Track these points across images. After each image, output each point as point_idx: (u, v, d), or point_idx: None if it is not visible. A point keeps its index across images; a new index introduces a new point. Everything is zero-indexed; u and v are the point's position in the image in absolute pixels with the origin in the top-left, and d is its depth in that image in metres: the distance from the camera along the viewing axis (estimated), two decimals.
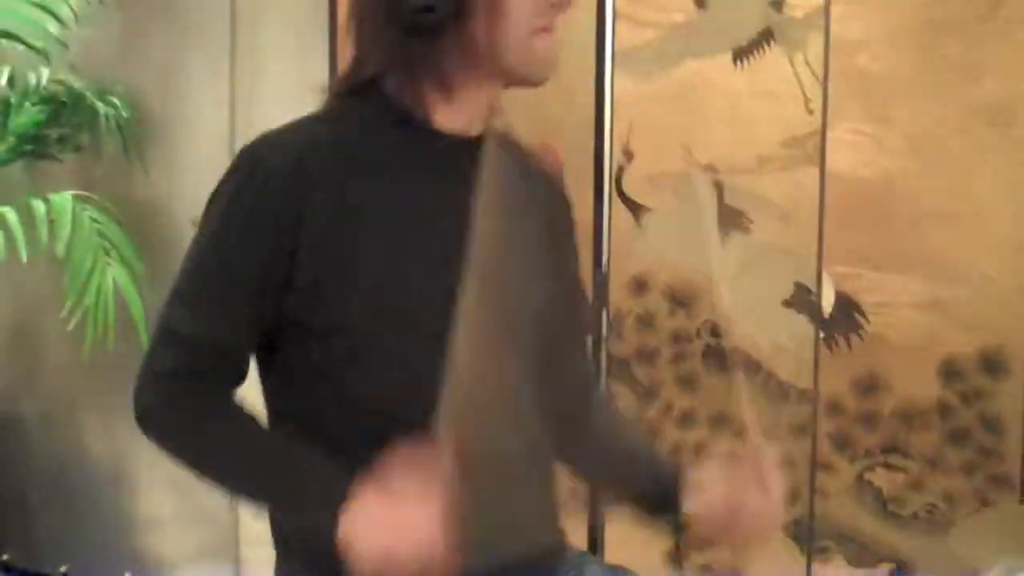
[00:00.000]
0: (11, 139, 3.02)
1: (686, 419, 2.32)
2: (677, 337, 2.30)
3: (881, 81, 2.19)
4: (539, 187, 1.40)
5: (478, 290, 1.17)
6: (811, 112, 2.23)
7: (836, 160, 2.22)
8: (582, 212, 2.23)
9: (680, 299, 2.29)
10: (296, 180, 1.18)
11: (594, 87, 2.22)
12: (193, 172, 3.08)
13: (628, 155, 2.25)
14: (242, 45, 3.07)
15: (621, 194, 2.26)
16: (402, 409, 1.17)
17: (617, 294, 2.28)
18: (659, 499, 1.35)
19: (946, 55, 2.16)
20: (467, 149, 1.23)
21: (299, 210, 1.18)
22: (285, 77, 3.00)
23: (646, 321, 2.29)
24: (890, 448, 2.24)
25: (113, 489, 3.20)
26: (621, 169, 2.26)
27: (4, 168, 3.10)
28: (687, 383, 2.31)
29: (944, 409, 2.20)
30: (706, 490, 1.33)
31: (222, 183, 1.24)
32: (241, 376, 1.22)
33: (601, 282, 2.26)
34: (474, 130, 1.26)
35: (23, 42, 2.98)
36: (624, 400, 2.30)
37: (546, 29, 1.23)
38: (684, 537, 1.36)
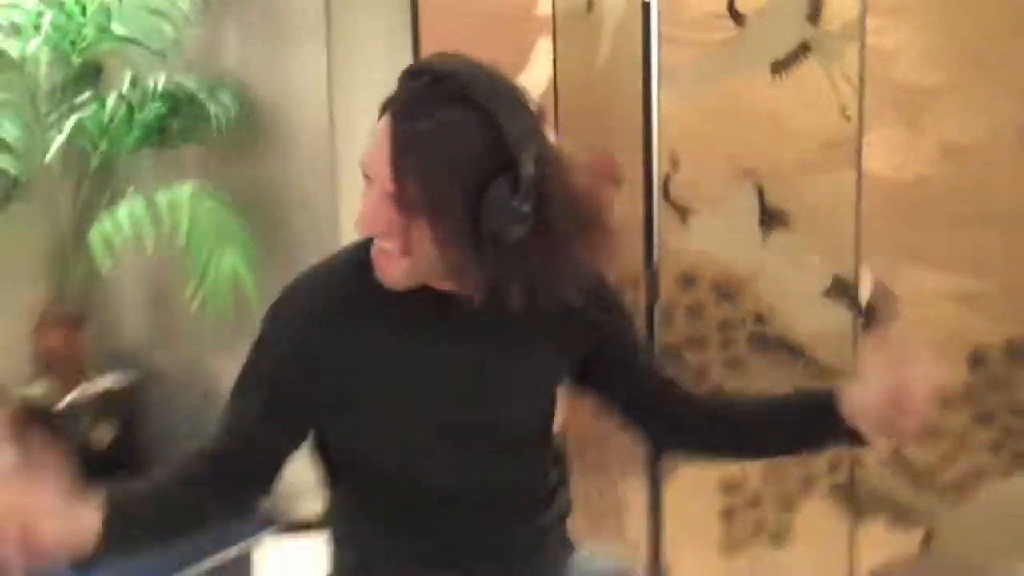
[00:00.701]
0: (136, 132, 3.36)
1: None
2: (724, 325, 2.52)
3: (914, 90, 2.32)
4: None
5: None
6: (848, 119, 2.38)
7: (872, 163, 2.38)
8: (632, 216, 2.46)
9: (725, 291, 2.50)
10: (301, 346, 1.47)
11: (642, 103, 2.40)
12: (299, 158, 3.38)
13: (674, 163, 2.45)
14: (336, 35, 3.33)
15: (668, 199, 2.47)
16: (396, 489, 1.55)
17: (667, 289, 2.50)
18: (825, 418, 1.45)
19: (978, 64, 2.28)
20: (454, 301, 1.45)
21: (308, 361, 1.47)
22: (375, 63, 3.26)
23: (695, 311, 2.51)
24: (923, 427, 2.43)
25: None
26: (668, 176, 2.46)
27: (134, 157, 3.46)
28: (734, 366, 2.54)
29: (971, 393, 2.38)
30: (865, 383, 1.42)
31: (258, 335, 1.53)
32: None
33: (652, 279, 2.48)
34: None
35: (143, 46, 3.30)
36: None
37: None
38: (865, 437, 1.44)
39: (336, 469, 1.61)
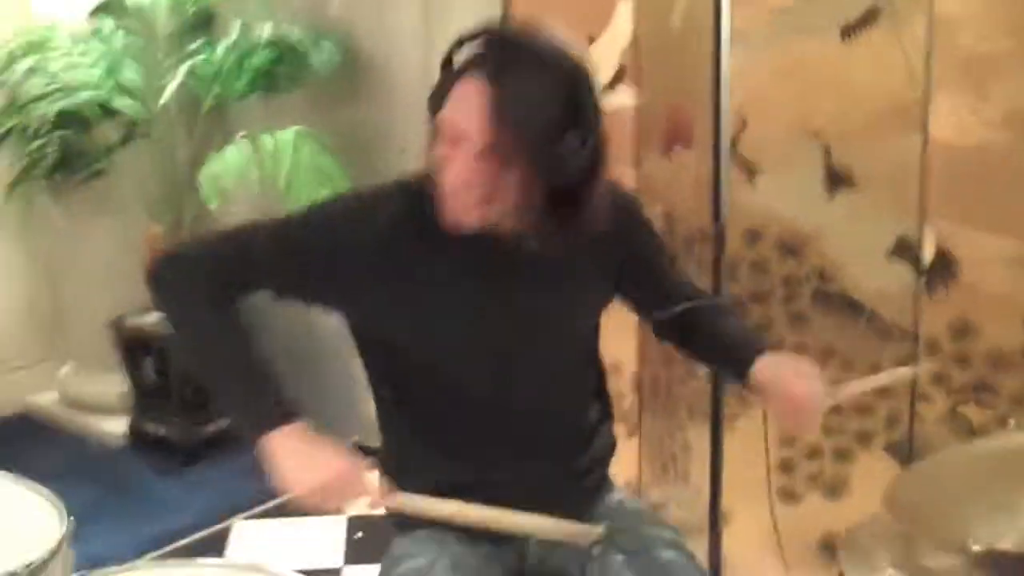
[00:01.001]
0: (246, 78, 3.56)
1: (798, 351, 2.62)
2: (787, 281, 2.60)
3: (979, 57, 2.36)
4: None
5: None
6: (915, 83, 2.43)
7: (937, 128, 2.43)
8: (702, 172, 2.55)
9: (790, 248, 2.58)
10: (364, 243, 1.66)
11: (712, 62, 2.48)
12: (399, 105, 3.53)
13: (742, 122, 2.53)
14: None
15: (736, 156, 2.55)
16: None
17: (733, 244, 2.58)
18: (738, 368, 1.76)
19: None
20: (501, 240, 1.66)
21: (358, 258, 1.65)
22: (469, 12, 3.37)
23: (760, 267, 2.60)
24: (980, 387, 2.50)
25: (338, 358, 3.57)
26: (736, 134, 2.54)
27: (245, 101, 3.66)
28: (797, 321, 2.62)
29: None
30: (775, 370, 1.71)
31: (324, 202, 1.77)
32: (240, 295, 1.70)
33: (719, 233, 2.57)
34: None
35: None
36: None
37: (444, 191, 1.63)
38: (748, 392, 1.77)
39: (384, 383, 1.79)
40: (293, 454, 1.58)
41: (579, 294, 1.79)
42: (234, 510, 3.50)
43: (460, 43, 1.63)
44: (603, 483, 1.90)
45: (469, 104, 1.56)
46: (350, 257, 1.66)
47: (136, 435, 3.94)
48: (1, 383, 4.19)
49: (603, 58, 2.89)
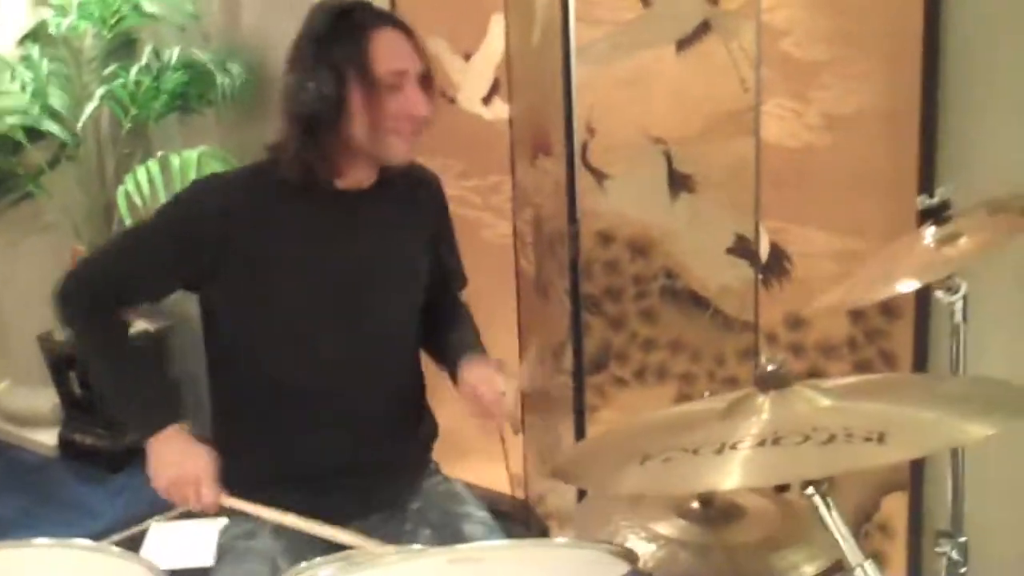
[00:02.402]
0: (162, 99, 3.75)
1: (649, 345, 2.81)
2: (638, 279, 2.78)
3: (802, 64, 2.54)
4: (417, 190, 2.01)
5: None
6: (746, 90, 2.61)
7: (767, 132, 2.61)
8: (558, 179, 2.73)
9: (639, 248, 2.76)
10: (219, 216, 1.83)
11: (561, 76, 2.67)
12: None
13: (591, 131, 2.71)
14: None
15: (586, 163, 2.73)
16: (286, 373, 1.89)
17: (586, 244, 2.76)
18: (452, 371, 2.01)
19: (858, 40, 2.48)
20: (355, 198, 1.88)
21: (220, 235, 1.82)
22: None
23: (612, 266, 2.78)
24: (813, 374, 2.66)
25: None
26: (586, 143, 2.72)
27: (164, 122, 3.85)
28: (648, 316, 2.80)
29: (852, 343, 2.60)
30: (467, 376, 1.95)
31: (172, 197, 1.94)
32: (126, 307, 1.94)
33: (574, 235, 2.75)
34: (367, 183, 1.88)
35: (166, 22, 3.69)
36: (597, 330, 2.82)
37: (397, 132, 1.79)
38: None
39: (221, 361, 1.96)
40: (160, 453, 1.80)
41: (408, 247, 2.00)
42: (153, 513, 3.65)
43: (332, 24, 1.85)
44: (426, 466, 2.08)
45: (405, 45, 1.84)
46: (206, 228, 1.85)
47: (65, 446, 4.10)
48: None
49: (479, 73, 3.09)
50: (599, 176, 2.73)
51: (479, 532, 1.92)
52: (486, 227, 3.15)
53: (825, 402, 1.33)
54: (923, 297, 2.41)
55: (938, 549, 1.85)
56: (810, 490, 1.22)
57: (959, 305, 1.82)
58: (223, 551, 1.89)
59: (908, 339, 2.49)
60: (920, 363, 2.47)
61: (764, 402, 1.34)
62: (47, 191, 3.99)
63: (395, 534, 1.94)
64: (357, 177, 1.90)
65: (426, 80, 1.85)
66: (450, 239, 2.13)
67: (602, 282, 2.78)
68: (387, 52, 1.82)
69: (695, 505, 1.74)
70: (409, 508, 1.99)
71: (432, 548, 1.49)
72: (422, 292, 2.04)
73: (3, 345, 4.42)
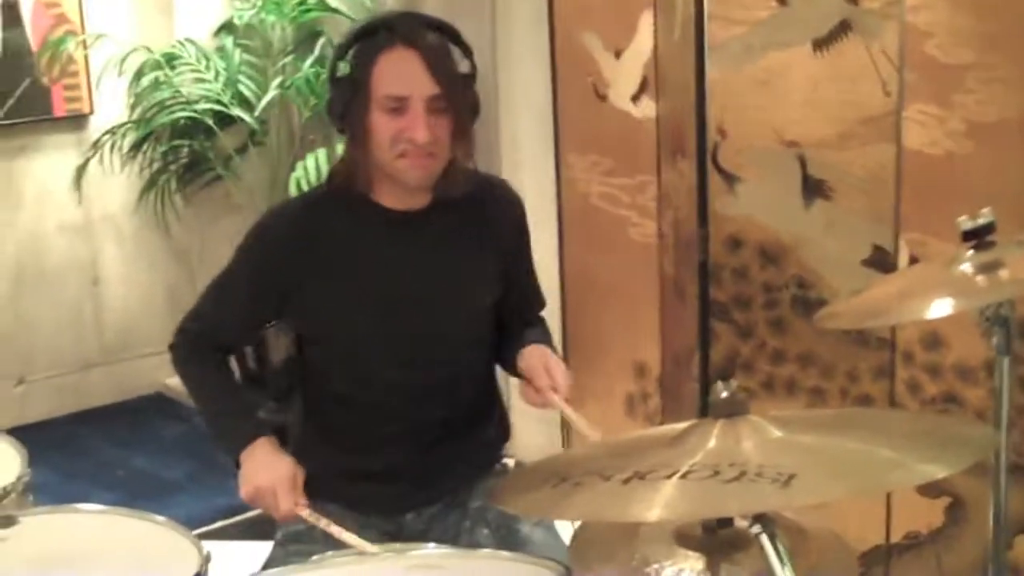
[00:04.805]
0: None
1: (778, 356, 2.71)
2: (768, 287, 2.68)
3: (946, 67, 2.38)
4: (489, 212, 1.97)
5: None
6: (888, 94, 2.47)
7: (908, 138, 2.46)
8: (692, 181, 2.67)
9: (769, 255, 2.66)
10: (288, 245, 1.92)
11: (694, 77, 2.60)
12: None
13: (722, 133, 2.63)
14: (501, 12, 3.65)
15: (717, 166, 2.65)
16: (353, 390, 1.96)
17: (716, 249, 2.69)
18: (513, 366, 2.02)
19: (1008, 43, 2.31)
20: (407, 219, 1.90)
21: (288, 264, 1.90)
22: (528, 35, 3.55)
23: (741, 273, 2.69)
24: (949, 399, 2.51)
25: None
26: (716, 144, 2.64)
27: None
28: (777, 326, 2.69)
29: (989, 367, 2.42)
30: (527, 363, 1.97)
31: (247, 235, 1.97)
32: (227, 351, 1.95)
33: (704, 238, 2.68)
34: (419, 204, 1.90)
35: (344, 15, 3.80)
36: (725, 337, 2.74)
37: (404, 156, 1.79)
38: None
39: (307, 375, 2.03)
40: (248, 463, 1.89)
41: (468, 268, 1.99)
42: None
43: (353, 40, 1.86)
44: (493, 467, 2.08)
45: (409, 67, 1.80)
46: (269, 266, 1.94)
47: None
48: (142, 366, 4.68)
49: (628, 71, 3.05)
50: (730, 179, 2.65)
51: (538, 535, 1.90)
52: (632, 226, 3.11)
53: (776, 434, 1.25)
54: None
55: None
56: (756, 528, 1.15)
57: None
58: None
59: None
60: None
61: (712, 431, 1.27)
62: (236, 174, 4.20)
63: (454, 528, 1.97)
64: (404, 197, 1.91)
65: (434, 103, 1.80)
66: (527, 262, 2.11)
67: (731, 289, 2.70)
68: (389, 76, 1.80)
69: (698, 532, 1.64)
70: (470, 506, 2.00)
71: (389, 552, 1.53)
72: (487, 313, 2.03)
73: None
